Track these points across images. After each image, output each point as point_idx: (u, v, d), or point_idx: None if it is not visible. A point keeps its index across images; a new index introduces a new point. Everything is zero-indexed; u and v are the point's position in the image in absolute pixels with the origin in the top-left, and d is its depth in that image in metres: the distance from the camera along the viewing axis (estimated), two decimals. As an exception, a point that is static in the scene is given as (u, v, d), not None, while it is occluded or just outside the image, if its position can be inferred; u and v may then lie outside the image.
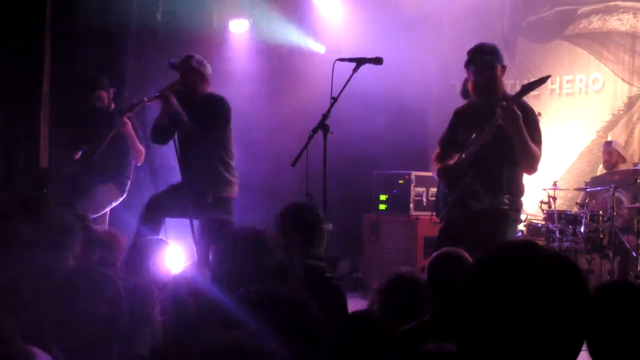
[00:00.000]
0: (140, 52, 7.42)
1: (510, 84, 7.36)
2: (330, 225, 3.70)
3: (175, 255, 4.90)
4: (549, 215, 7.05)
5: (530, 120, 4.32)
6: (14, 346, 2.14)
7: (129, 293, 3.18)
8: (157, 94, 5.34)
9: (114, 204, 6.17)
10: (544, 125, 4.55)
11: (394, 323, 2.79)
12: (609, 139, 7.70)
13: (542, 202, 7.17)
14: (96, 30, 6.92)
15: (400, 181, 7.60)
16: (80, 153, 6.08)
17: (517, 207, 4.47)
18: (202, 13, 7.77)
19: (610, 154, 7.34)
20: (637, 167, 6.86)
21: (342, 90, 4.43)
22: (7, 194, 6.26)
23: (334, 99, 4.41)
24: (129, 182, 6.24)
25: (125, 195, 6.21)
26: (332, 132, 4.40)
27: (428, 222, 5.86)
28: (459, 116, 4.66)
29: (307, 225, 3.45)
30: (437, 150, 4.77)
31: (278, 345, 1.59)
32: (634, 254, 6.62)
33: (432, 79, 8.67)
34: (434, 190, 5.83)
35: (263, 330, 1.72)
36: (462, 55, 4.51)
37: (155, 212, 5.31)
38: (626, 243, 6.72)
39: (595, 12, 8.04)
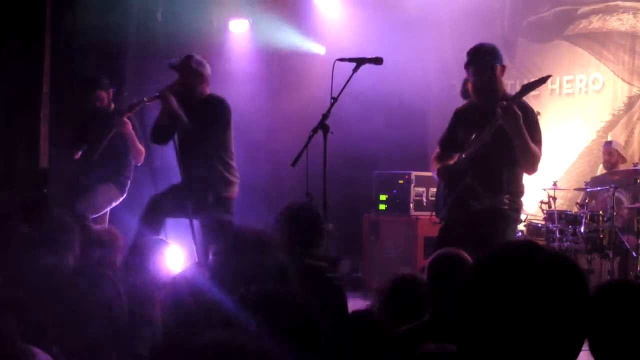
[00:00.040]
0: (140, 52, 7.42)
1: (510, 84, 7.36)
2: (330, 225, 3.70)
3: (175, 255, 4.89)
4: (549, 215, 7.05)
5: (531, 120, 4.31)
6: (14, 346, 2.13)
7: (129, 293, 3.19)
8: (157, 94, 5.34)
9: (114, 204, 6.17)
10: (544, 125, 4.54)
11: (394, 323, 2.80)
12: (609, 139, 7.69)
13: (542, 202, 7.16)
14: (96, 30, 6.92)
15: (400, 181, 7.60)
16: (80, 153, 6.08)
17: (517, 207, 4.46)
18: (202, 13, 7.77)
19: (610, 154, 7.33)
20: (637, 167, 6.85)
21: (342, 90, 4.43)
22: (7, 194, 6.25)
23: (334, 99, 4.41)
24: (129, 182, 6.24)
25: (125, 195, 6.21)
26: (332, 132, 4.40)
27: (428, 222, 5.87)
28: (459, 116, 4.66)
29: (307, 225, 3.44)
30: (437, 150, 4.77)
31: (278, 345, 1.59)
32: (634, 254, 6.62)
33: (432, 79, 8.67)
34: (434, 190, 5.83)
35: (263, 330, 1.72)
36: (462, 56, 4.51)
37: (156, 212, 5.31)
38: (626, 243, 6.71)
39: (595, 12, 8.03)
